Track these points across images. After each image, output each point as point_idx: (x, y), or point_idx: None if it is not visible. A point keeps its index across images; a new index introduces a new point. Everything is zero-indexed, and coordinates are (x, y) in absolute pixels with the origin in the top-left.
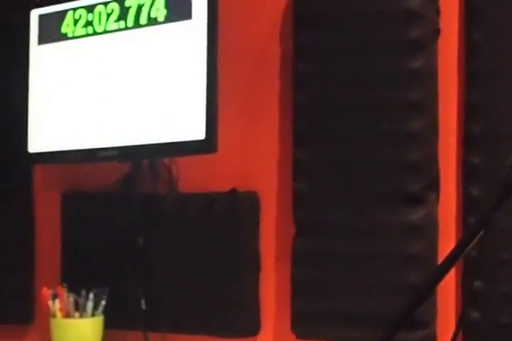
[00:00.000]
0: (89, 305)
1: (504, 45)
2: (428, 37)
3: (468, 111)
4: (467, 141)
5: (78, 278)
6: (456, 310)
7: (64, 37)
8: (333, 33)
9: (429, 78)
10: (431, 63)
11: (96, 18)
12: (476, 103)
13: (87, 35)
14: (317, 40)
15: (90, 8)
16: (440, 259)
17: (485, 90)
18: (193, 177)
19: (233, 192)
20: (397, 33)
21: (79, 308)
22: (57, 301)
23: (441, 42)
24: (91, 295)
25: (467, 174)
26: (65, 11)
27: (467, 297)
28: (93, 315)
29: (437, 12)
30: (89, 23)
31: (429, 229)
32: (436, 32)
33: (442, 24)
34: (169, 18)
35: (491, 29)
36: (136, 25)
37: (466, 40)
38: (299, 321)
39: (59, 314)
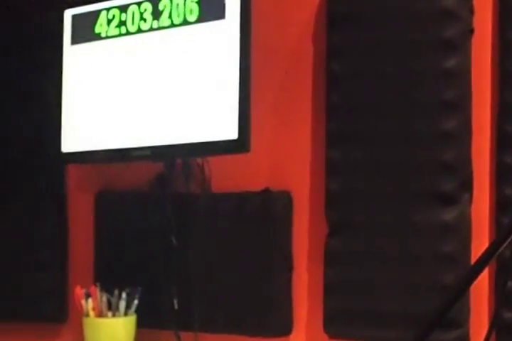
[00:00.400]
0: (122, 304)
1: None
2: (462, 36)
3: (502, 111)
4: (501, 141)
5: (111, 278)
6: (489, 310)
7: (97, 37)
8: (366, 33)
9: (462, 78)
10: (464, 63)
11: (129, 17)
12: (510, 102)
13: (120, 35)
14: (350, 40)
15: (123, 8)
16: (473, 259)
17: None
18: (226, 177)
19: (266, 191)
20: (431, 32)
21: (112, 308)
22: (90, 300)
23: (474, 41)
24: (124, 295)
25: (501, 174)
26: (98, 11)
27: (500, 297)
28: (126, 314)
29: (471, 11)
30: (122, 23)
31: (462, 229)
32: (470, 31)
33: (476, 23)
34: (202, 18)
35: None
36: (170, 25)
37: (500, 39)
38: (331, 321)
39: (92, 313)
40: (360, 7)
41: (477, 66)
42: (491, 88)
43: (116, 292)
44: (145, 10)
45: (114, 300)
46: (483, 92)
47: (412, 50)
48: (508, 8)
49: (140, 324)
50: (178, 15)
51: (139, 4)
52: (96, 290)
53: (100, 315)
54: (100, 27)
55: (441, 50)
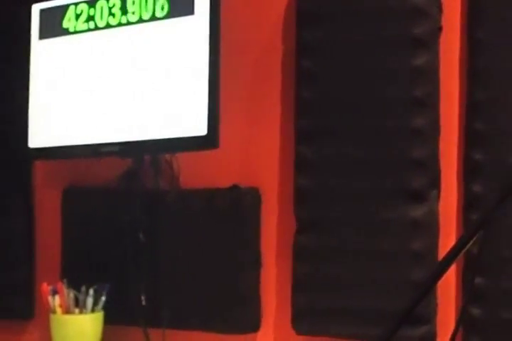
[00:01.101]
0: (89, 301)
1: (506, 42)
2: (431, 34)
3: (471, 108)
4: (469, 138)
5: (78, 274)
6: (456, 307)
7: (65, 32)
8: (337, 30)
9: (431, 75)
10: (433, 60)
11: (98, 13)
12: (479, 100)
13: (89, 30)
14: (320, 37)
15: (92, 3)
16: (441, 256)
17: (487, 87)
18: (195, 173)
19: (235, 188)
20: (400, 29)
21: (79, 304)
22: (57, 297)
23: (443, 39)
24: (91, 291)
25: (469, 171)
26: (67, 6)
27: (468, 293)
28: (93, 310)
29: (440, 9)
30: (90, 18)
31: (430, 226)
32: (439, 29)
33: (444, 21)
34: (171, 14)
35: (493, 26)
36: (138, 20)
37: (469, 37)
38: (299, 317)
39: (59, 310)
40: (330, 4)
41: (446, 64)
42: (460, 86)
43: (83, 288)
44: (114, 5)
45: (81, 297)
46: (451, 90)
47: (381, 48)
48: (476, 6)
49: (108, 320)
50: (147, 11)
51: None
52: (63, 287)
53: (67, 311)
54: (68, 22)
55: (411, 47)
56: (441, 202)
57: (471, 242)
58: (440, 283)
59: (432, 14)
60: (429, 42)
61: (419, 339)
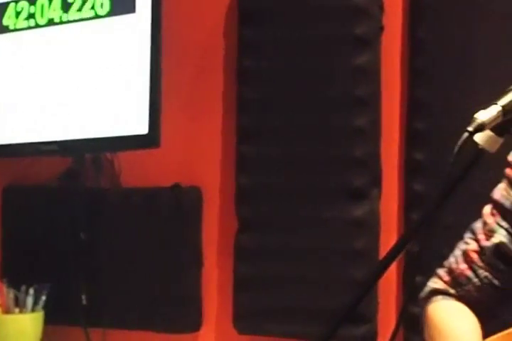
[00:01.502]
0: (30, 300)
1: (447, 42)
2: (372, 33)
3: (412, 108)
4: (410, 138)
5: (18, 274)
6: (397, 306)
7: (5, 29)
8: (278, 29)
9: (373, 74)
10: (375, 60)
11: (38, 10)
12: (420, 100)
13: (29, 27)
14: (262, 36)
15: (32, 1)
16: (382, 254)
17: (428, 87)
18: (136, 172)
19: (176, 187)
20: (342, 29)
21: (19, 304)
22: None
23: (385, 39)
24: (31, 291)
25: (410, 170)
26: (7, 3)
27: (408, 292)
28: (33, 310)
29: (381, 9)
30: (31, 16)
31: (371, 225)
32: (380, 29)
33: (386, 21)
34: (113, 12)
35: (434, 26)
36: (80, 18)
37: (410, 37)
38: (240, 317)
39: None
40: (272, 3)
41: (387, 63)
42: (401, 85)
43: (23, 288)
44: (54, 3)
45: (21, 297)
46: (393, 89)
47: (323, 47)
48: (418, 5)
49: (48, 320)
50: (89, 9)
51: None
52: (3, 286)
53: (7, 311)
54: (8, 19)
55: (352, 46)
56: (383, 201)
57: (412, 241)
58: (381, 281)
59: (374, 14)
60: (371, 41)
61: (361, 338)
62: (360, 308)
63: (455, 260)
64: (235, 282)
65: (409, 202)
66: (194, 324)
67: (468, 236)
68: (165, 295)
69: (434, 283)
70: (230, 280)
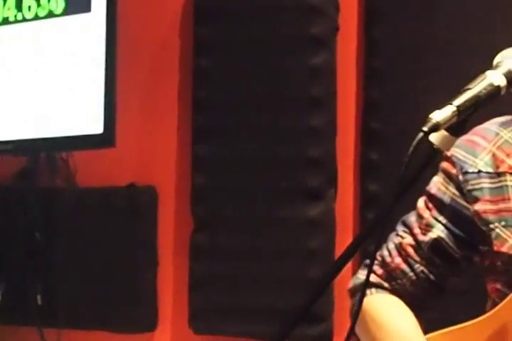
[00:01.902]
0: None
1: (403, 42)
2: (328, 33)
3: (367, 108)
4: (365, 137)
5: None
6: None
7: None
8: (234, 28)
9: (328, 75)
10: (330, 60)
11: None
12: (375, 100)
13: None
14: (218, 35)
15: None
16: (338, 254)
17: (384, 87)
18: (92, 172)
19: (131, 186)
20: (297, 28)
21: None
22: None
23: (340, 39)
24: None
25: (365, 170)
26: None
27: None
28: None
29: (337, 9)
30: None
31: (327, 225)
32: (336, 29)
33: (341, 21)
34: (68, 11)
35: (390, 26)
36: (34, 17)
37: (365, 37)
38: (196, 316)
39: None
40: (228, 2)
41: (342, 63)
42: (357, 85)
43: None
44: (9, 1)
45: None
46: (348, 89)
47: (278, 46)
48: (373, 6)
49: (2, 320)
50: (43, 8)
51: None
52: None
53: None
54: None
55: (308, 46)
56: (338, 201)
57: (367, 240)
58: (337, 281)
59: (330, 14)
60: (327, 41)
61: (317, 337)
62: (315, 308)
63: (388, 253)
64: (190, 282)
65: (365, 201)
66: (150, 324)
67: (401, 229)
68: (120, 295)
69: (363, 275)
70: (185, 279)
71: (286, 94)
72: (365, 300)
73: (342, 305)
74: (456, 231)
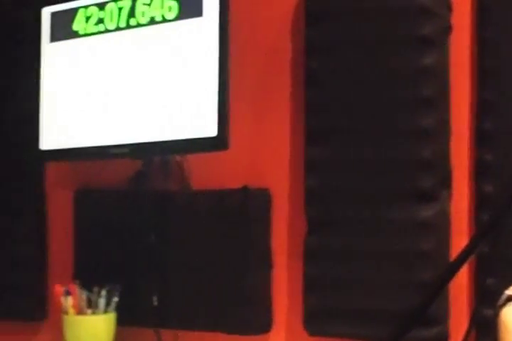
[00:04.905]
0: (102, 301)
1: None
2: (440, 33)
3: (481, 108)
4: (479, 138)
5: (91, 275)
6: (468, 307)
7: (75, 34)
8: (345, 30)
9: (441, 75)
10: (443, 60)
11: (107, 15)
12: (489, 100)
13: (99, 32)
14: (328, 37)
15: (102, 6)
16: (452, 256)
17: (497, 87)
18: (205, 174)
19: (245, 189)
20: (408, 29)
21: (91, 305)
22: (69, 298)
23: (453, 38)
24: (103, 292)
25: (479, 171)
26: (77, 9)
27: (480, 294)
28: (105, 311)
29: (449, 8)
30: (100, 21)
31: (441, 226)
32: (448, 28)
33: (454, 20)
34: (181, 16)
35: (503, 26)
36: (148, 22)
37: (478, 36)
38: (311, 318)
39: (71, 311)
40: (338, 4)
41: (455, 63)
42: (470, 85)
43: (95, 289)
44: (123, 7)
45: (93, 298)
46: (461, 89)
47: (389, 48)
48: (486, 5)
49: (120, 321)
50: (157, 13)
51: (117, 2)
52: (75, 288)
53: (80, 312)
54: (78, 24)
55: (419, 47)
56: (453, 202)
57: (483, 242)
58: (452, 283)
59: (441, 13)
60: (438, 41)
61: (432, 340)
62: (431, 310)
63: None
64: (304, 283)
65: (480, 202)
66: (264, 326)
67: None
68: (235, 297)
69: (510, 291)
70: (299, 281)
71: (398, 96)
72: (504, 311)
73: (458, 307)
74: None
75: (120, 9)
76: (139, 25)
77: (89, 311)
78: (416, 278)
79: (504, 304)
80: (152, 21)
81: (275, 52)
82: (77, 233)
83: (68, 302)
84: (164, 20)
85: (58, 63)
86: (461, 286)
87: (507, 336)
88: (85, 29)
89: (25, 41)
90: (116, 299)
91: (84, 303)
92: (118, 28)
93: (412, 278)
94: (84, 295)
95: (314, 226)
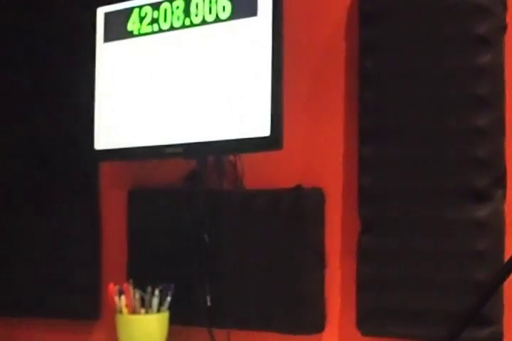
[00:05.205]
0: (155, 301)
1: None
2: (495, 32)
3: None
4: None
5: (144, 275)
6: None
7: (130, 34)
8: (399, 29)
9: (496, 74)
10: (498, 59)
11: (161, 15)
12: None
13: (153, 32)
14: (383, 37)
15: (156, 6)
16: (507, 256)
17: None
18: (259, 174)
19: (298, 188)
20: (464, 28)
21: (145, 304)
22: (123, 297)
23: (508, 37)
24: (157, 292)
25: None
26: (131, 9)
27: None
28: (159, 311)
29: (505, 7)
30: (154, 21)
31: (495, 226)
32: (504, 27)
33: (509, 19)
34: (234, 15)
35: None
36: (202, 22)
37: None
38: (364, 318)
39: (125, 310)
40: (393, 4)
41: (511, 62)
42: None
43: (149, 289)
44: (177, 7)
45: (147, 297)
46: None
47: (444, 47)
48: None
49: (173, 321)
50: (211, 13)
51: (171, 2)
52: (129, 287)
53: (133, 311)
54: (133, 24)
55: (475, 46)
56: (508, 202)
57: None
58: (506, 283)
59: (496, 12)
60: (494, 40)
61: (485, 340)
62: (485, 310)
63: None
64: (357, 283)
65: None
66: (318, 325)
67: None
68: (288, 297)
69: None
70: (353, 281)
71: (452, 95)
72: None
73: (511, 308)
74: None
75: (174, 9)
76: (192, 24)
77: (142, 310)
78: (471, 278)
79: None
80: (206, 21)
81: (329, 51)
82: (131, 232)
83: (122, 301)
84: (218, 20)
85: (112, 63)
86: None
87: None
88: (139, 29)
89: (80, 41)
90: (169, 298)
91: (137, 303)
92: (172, 28)
93: (466, 278)
94: (137, 294)
95: (368, 226)
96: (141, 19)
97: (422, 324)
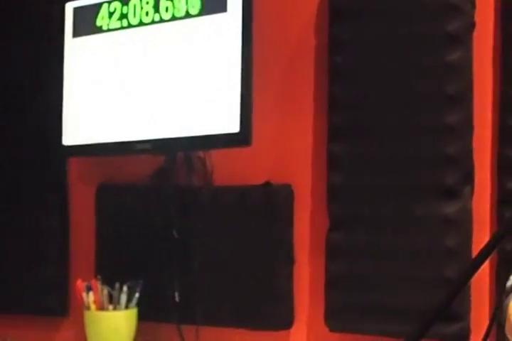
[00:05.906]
0: (123, 297)
1: None
2: (464, 30)
3: (504, 104)
4: (502, 134)
5: (112, 271)
6: (490, 303)
7: (99, 30)
8: (369, 26)
9: (464, 71)
10: (467, 56)
11: (131, 10)
12: None
13: (122, 28)
14: (353, 33)
15: (125, 1)
16: (474, 253)
17: None
18: (228, 170)
19: (267, 185)
20: (433, 25)
21: (113, 301)
22: (91, 294)
23: (476, 35)
24: (125, 288)
25: (502, 167)
26: (100, 4)
27: (501, 290)
28: (127, 307)
29: (473, 5)
30: (124, 16)
31: (464, 223)
32: (472, 25)
33: (478, 17)
34: (204, 11)
35: None
36: (171, 18)
37: (502, 33)
38: (332, 314)
39: (93, 306)
40: (363, 1)
41: (479, 60)
42: (493, 81)
43: (117, 285)
44: (147, 3)
45: (115, 294)
46: (485, 86)
47: (414, 44)
48: (510, 1)
49: (141, 317)
50: (180, 9)
51: None
52: (97, 284)
53: (101, 308)
54: (102, 20)
55: (444, 43)
56: (475, 199)
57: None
58: (474, 279)
59: (466, 10)
60: (463, 38)
61: (454, 335)
62: (452, 306)
63: None
64: (326, 279)
65: (502, 199)
66: (286, 322)
67: None
68: (257, 293)
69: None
70: (321, 277)
71: (422, 92)
72: None
73: (479, 303)
74: None
75: (143, 5)
76: (162, 20)
77: (110, 307)
78: (439, 275)
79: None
80: (175, 17)
81: (299, 48)
82: (99, 228)
83: (90, 298)
84: (188, 16)
85: (81, 58)
86: (482, 282)
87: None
88: (108, 24)
89: (48, 36)
90: (137, 295)
91: (105, 299)
92: (141, 24)
93: (436, 275)
94: (105, 290)
95: (336, 223)
96: (111, 14)
97: (390, 320)
